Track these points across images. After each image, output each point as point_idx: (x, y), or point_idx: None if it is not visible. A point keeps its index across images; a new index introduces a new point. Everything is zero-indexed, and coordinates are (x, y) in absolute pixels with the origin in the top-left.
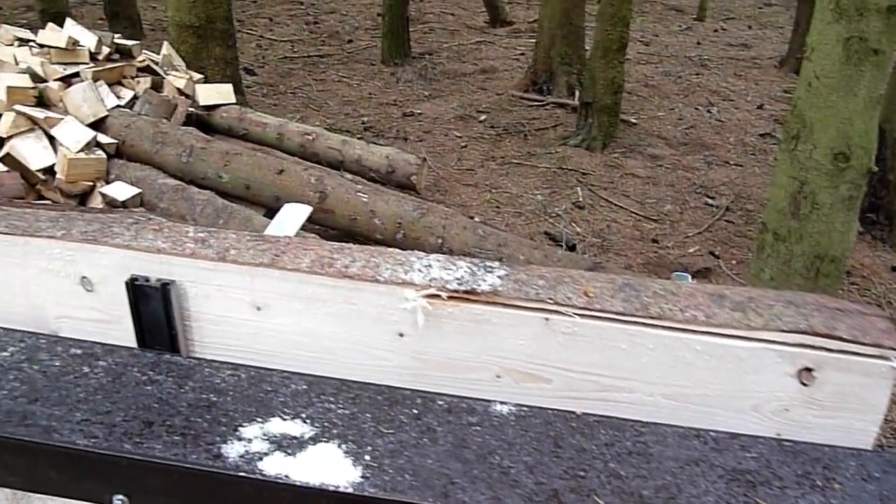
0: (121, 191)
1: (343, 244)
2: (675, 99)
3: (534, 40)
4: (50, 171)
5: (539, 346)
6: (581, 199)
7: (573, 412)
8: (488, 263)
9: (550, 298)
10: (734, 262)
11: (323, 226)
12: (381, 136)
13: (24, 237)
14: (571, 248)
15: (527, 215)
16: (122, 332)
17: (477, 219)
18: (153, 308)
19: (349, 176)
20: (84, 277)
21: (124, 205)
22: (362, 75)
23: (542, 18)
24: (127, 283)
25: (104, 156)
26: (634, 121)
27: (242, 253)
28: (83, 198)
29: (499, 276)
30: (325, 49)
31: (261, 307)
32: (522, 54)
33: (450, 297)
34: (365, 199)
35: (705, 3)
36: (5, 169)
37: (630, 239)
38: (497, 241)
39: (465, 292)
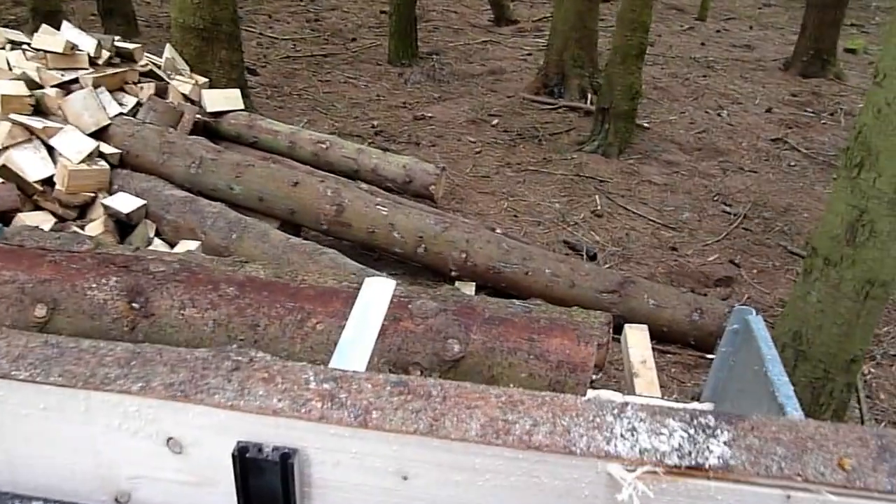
0: (124, 203)
1: (511, 395)
2: (685, 102)
3: (540, 40)
4: (48, 181)
5: None
6: (599, 206)
7: None
8: (704, 419)
9: (798, 475)
10: (755, 270)
11: (338, 238)
12: (393, 141)
13: (86, 390)
14: (592, 258)
15: (546, 224)
16: (219, 498)
17: (497, 229)
18: (267, 482)
19: (365, 186)
20: (171, 438)
21: (128, 217)
22: (369, 76)
23: (554, 20)
24: (234, 456)
25: (107, 167)
26: (647, 125)
27: (388, 415)
28: (84, 209)
29: (726, 443)
30: (328, 48)
31: (408, 476)
32: (530, 54)
33: (667, 473)
34: (385, 213)
35: (707, 3)
36: (1, 181)
37: (650, 247)
38: (522, 255)
39: (689, 468)
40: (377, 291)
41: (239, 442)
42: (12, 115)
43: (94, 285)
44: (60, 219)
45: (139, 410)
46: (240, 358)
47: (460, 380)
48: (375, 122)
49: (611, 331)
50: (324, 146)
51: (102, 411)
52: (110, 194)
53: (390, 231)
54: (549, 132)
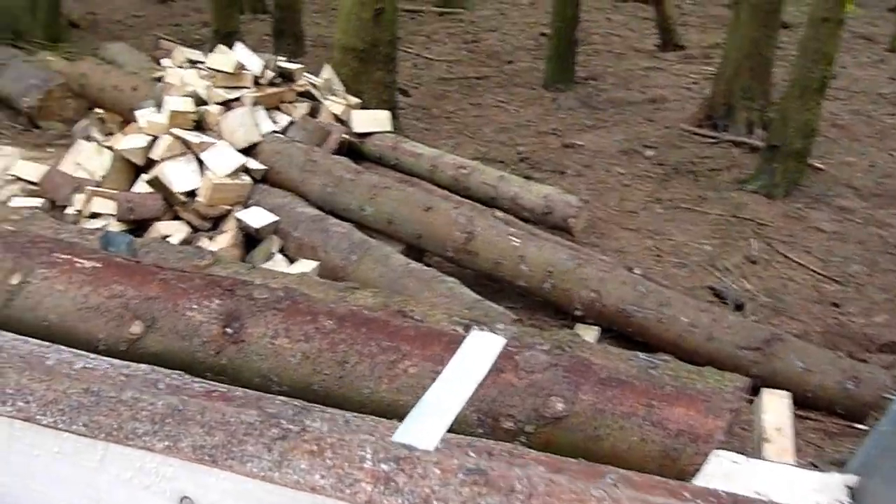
0: (257, 217)
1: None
2: (867, 142)
3: (708, 68)
4: (192, 192)
5: None
6: (755, 252)
7: None
8: None
9: None
10: None
11: (462, 267)
12: (537, 169)
13: (106, 442)
14: (739, 308)
15: (691, 267)
16: None
17: (636, 269)
18: None
19: (501, 215)
20: (186, 498)
21: (257, 231)
22: (521, 100)
23: (727, 47)
24: None
25: (249, 182)
26: (821, 165)
27: None
28: (218, 220)
29: None
30: (483, 70)
31: None
32: (695, 83)
33: None
34: (516, 244)
35: None
36: (150, 190)
37: (807, 301)
38: (658, 300)
39: None
40: (481, 347)
41: None
42: (174, 130)
43: (195, 306)
44: (194, 229)
45: (157, 468)
46: (290, 426)
47: (559, 438)
48: (522, 148)
49: (744, 396)
50: (464, 171)
51: (116, 463)
52: (245, 208)
53: (518, 263)
54: (708, 168)
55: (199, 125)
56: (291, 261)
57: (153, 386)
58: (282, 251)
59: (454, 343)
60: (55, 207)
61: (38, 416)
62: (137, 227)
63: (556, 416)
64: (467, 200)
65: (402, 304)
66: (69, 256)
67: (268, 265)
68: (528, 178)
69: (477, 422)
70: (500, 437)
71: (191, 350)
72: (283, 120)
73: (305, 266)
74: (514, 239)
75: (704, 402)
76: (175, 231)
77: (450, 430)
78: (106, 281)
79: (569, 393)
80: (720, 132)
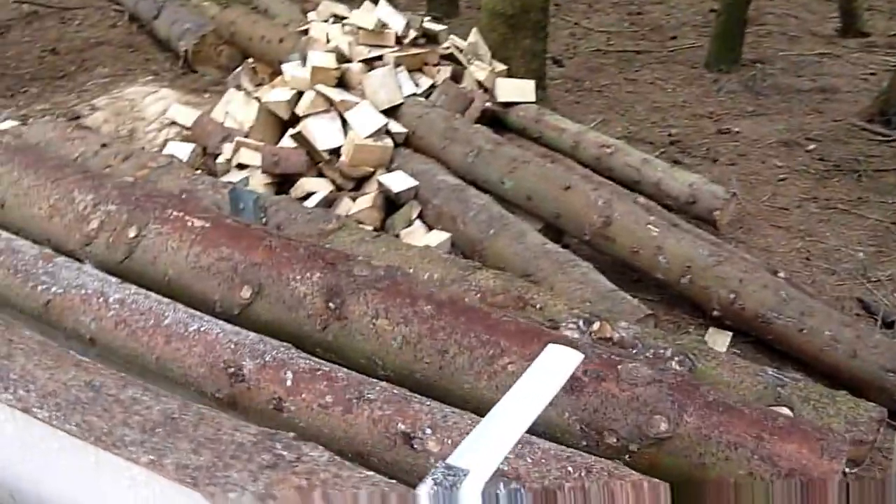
0: (398, 181)
1: None
2: None
3: (891, 59)
4: (335, 151)
5: None
6: None
7: None
8: None
9: None
10: None
11: (598, 251)
12: (688, 154)
13: (96, 447)
14: (889, 326)
15: (840, 274)
16: None
17: (780, 273)
18: None
19: (642, 201)
20: None
21: (397, 196)
22: (680, 79)
23: None
24: None
25: (391, 144)
26: None
27: None
28: (360, 182)
29: None
30: (643, 44)
31: None
32: (874, 74)
33: None
34: (654, 234)
35: None
36: (294, 145)
37: None
38: (800, 309)
39: None
40: (556, 363)
41: None
42: (318, 86)
43: (298, 277)
44: (338, 188)
45: (148, 482)
46: (284, 453)
47: (663, 460)
48: (674, 131)
49: (881, 429)
50: (608, 150)
51: (110, 470)
52: (388, 171)
53: (656, 254)
54: (874, 168)
55: (341, 83)
56: (431, 229)
57: (260, 357)
58: (421, 218)
59: (553, 342)
60: (206, 154)
61: (34, 409)
62: (283, 181)
63: (660, 437)
64: (609, 182)
65: (524, 289)
66: (181, 214)
67: (406, 231)
68: (676, 162)
69: (580, 433)
70: (604, 453)
71: (298, 322)
72: (425, 83)
73: (438, 237)
74: (653, 228)
75: (819, 440)
76: (319, 189)
77: (553, 440)
78: (215, 242)
79: (672, 413)
80: (893, 129)
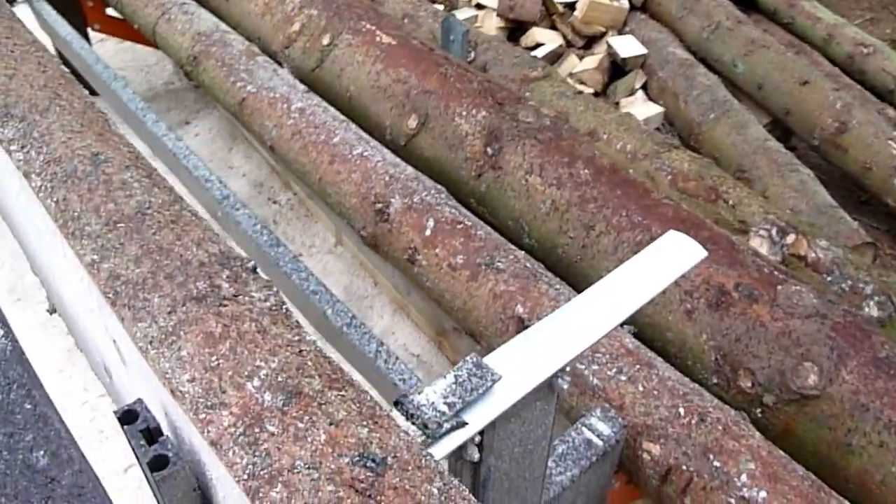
0: (626, 46)
1: None
2: None
3: None
4: (571, 5)
5: None
6: None
7: None
8: None
9: None
10: None
11: (826, 160)
12: None
13: (63, 241)
14: None
15: None
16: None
17: None
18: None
19: (891, 113)
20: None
21: (624, 61)
22: None
23: None
24: (118, 418)
25: (626, 6)
26: None
27: None
28: (590, 41)
29: None
30: None
31: None
32: None
33: None
34: (894, 152)
35: None
36: None
37: None
38: None
39: None
40: (673, 253)
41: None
42: None
43: (464, 112)
44: (567, 44)
45: (89, 290)
46: (224, 284)
47: (800, 426)
48: None
49: None
50: (864, 50)
51: (71, 268)
52: (619, 34)
53: (891, 176)
54: None
55: None
56: (653, 102)
57: (409, 197)
58: (644, 89)
59: (712, 243)
60: None
61: (32, 177)
62: (517, 27)
63: (804, 393)
64: (856, 85)
65: (719, 180)
66: (373, 28)
67: (627, 101)
68: None
69: (713, 365)
70: (732, 398)
71: (455, 164)
72: None
73: (650, 110)
74: (894, 145)
75: None
76: (548, 41)
77: (682, 370)
78: (396, 62)
79: (828, 363)
80: None
